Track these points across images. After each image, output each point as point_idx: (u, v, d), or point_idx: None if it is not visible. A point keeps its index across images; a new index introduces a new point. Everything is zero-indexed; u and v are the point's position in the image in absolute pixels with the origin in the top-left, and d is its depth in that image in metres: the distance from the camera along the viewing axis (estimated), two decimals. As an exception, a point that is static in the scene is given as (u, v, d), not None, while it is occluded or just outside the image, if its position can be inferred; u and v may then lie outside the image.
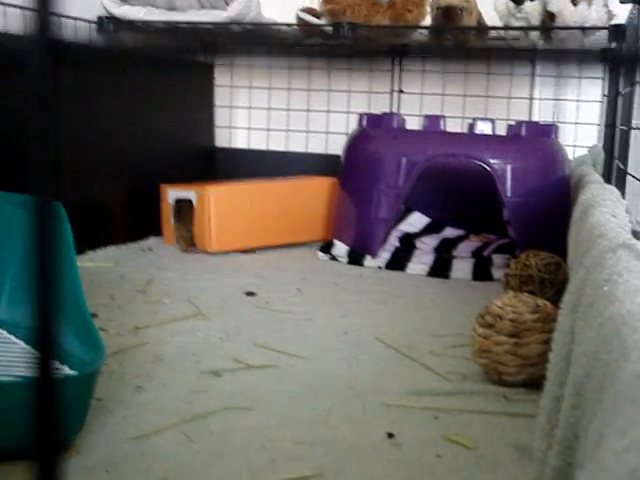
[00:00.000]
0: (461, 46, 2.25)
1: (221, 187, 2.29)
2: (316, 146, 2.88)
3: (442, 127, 2.19)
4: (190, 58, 2.80)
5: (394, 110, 2.70)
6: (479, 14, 2.29)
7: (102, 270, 1.95)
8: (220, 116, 2.91)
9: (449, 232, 2.50)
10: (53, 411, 0.27)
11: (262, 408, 1.12)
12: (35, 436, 0.28)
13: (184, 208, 2.26)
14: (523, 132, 2.16)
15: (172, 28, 2.35)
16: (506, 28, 2.18)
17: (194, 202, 2.23)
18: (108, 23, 2.29)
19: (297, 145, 2.91)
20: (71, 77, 2.04)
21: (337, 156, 2.43)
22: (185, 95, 2.62)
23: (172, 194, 2.29)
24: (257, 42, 2.81)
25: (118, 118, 2.25)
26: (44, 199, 0.27)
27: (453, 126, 2.46)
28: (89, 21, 2.26)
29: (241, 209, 2.28)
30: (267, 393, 1.18)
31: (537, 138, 2.16)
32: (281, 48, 2.83)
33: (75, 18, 2.18)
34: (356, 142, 2.28)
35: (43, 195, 0.27)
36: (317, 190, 2.47)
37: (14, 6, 1.86)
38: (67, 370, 1.10)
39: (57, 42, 0.28)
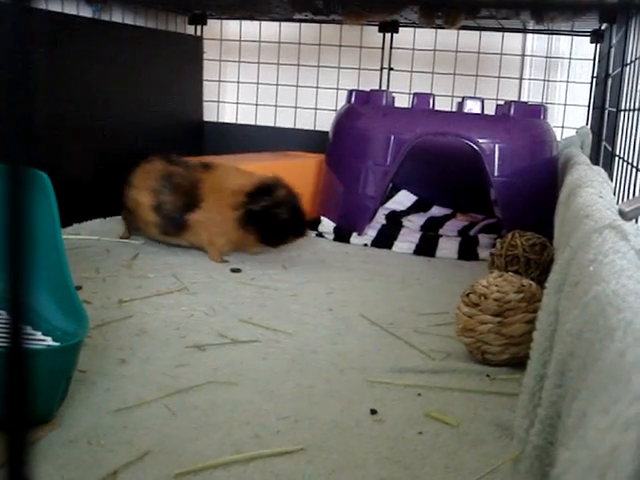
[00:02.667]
0: (452, 24, 2.23)
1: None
2: (304, 122, 2.87)
3: (431, 105, 2.19)
4: (179, 31, 2.78)
5: (383, 87, 2.69)
6: (471, -8, 2.28)
7: (88, 243, 1.94)
8: (208, 90, 2.89)
9: (436, 211, 2.51)
10: (23, 382, 0.26)
11: (246, 383, 1.12)
12: (5, 408, 0.27)
13: None
14: (512, 112, 2.15)
15: None
16: (497, 5, 2.17)
17: None
18: (96, -7, 2.27)
19: (285, 121, 2.90)
20: (60, 50, 2.02)
21: (325, 132, 2.42)
22: (173, 69, 2.60)
23: None
24: (247, 16, 2.79)
25: (105, 91, 2.23)
26: (16, 164, 0.26)
27: (442, 104, 2.46)
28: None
29: None
30: (251, 368, 1.18)
31: (526, 118, 2.16)
32: (270, 22, 2.81)
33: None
34: (345, 119, 2.27)
35: (15, 160, 0.26)
36: (312, 167, 2.46)
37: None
38: (50, 341, 1.09)
39: (34, 8, 0.27)
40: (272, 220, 1.82)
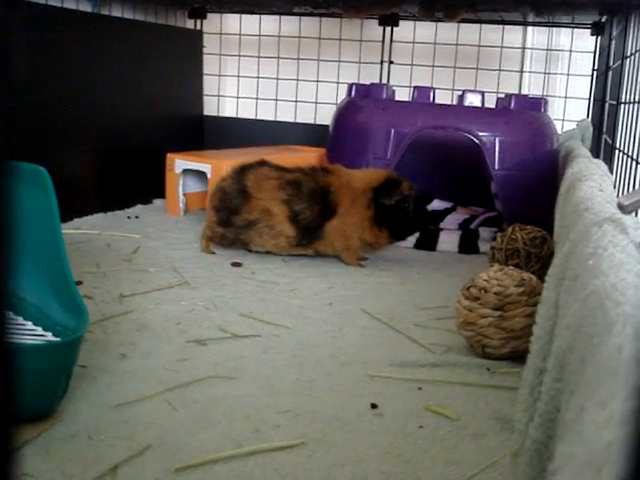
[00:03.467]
0: (452, 17, 2.23)
1: (236, 159, 2.23)
2: (305, 116, 2.87)
3: (432, 99, 2.18)
4: (179, 25, 2.77)
5: (384, 81, 2.69)
6: (471, -15, 2.27)
7: (88, 238, 1.94)
8: (209, 84, 2.89)
9: (436, 204, 2.50)
10: (8, 378, 0.26)
11: (247, 377, 1.12)
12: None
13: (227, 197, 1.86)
14: (512, 105, 2.15)
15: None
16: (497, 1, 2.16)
17: (208, 174, 2.19)
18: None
19: (286, 115, 2.89)
20: (59, 45, 2.02)
21: (326, 126, 2.42)
22: (174, 63, 2.59)
23: (180, 164, 2.26)
24: (247, 10, 2.78)
25: (105, 85, 2.23)
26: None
27: (443, 98, 2.46)
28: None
29: None
30: (252, 362, 1.18)
31: (526, 111, 2.15)
32: (271, 16, 2.81)
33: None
34: (345, 112, 2.27)
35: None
36: (312, 161, 2.45)
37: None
38: (51, 337, 1.09)
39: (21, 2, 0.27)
40: (401, 213, 1.82)
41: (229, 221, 1.83)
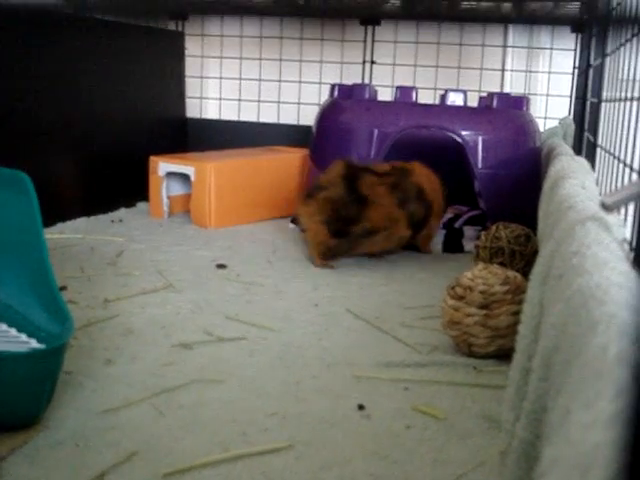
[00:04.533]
0: (433, 16, 2.23)
1: (219, 161, 2.23)
2: (288, 117, 2.87)
3: (414, 98, 2.19)
4: (160, 27, 2.76)
5: (366, 81, 2.69)
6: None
7: (72, 242, 1.93)
8: (191, 86, 2.89)
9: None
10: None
11: (233, 381, 1.12)
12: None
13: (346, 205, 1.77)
14: (495, 103, 2.16)
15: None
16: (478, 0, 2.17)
17: (192, 177, 2.19)
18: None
19: (269, 116, 2.89)
20: (40, 47, 2.00)
21: (309, 127, 2.42)
22: (155, 65, 2.59)
23: (163, 166, 2.25)
24: (228, 11, 2.78)
25: (86, 87, 2.22)
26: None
27: (425, 97, 2.46)
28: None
29: (237, 184, 2.25)
30: (238, 365, 1.18)
31: (508, 110, 2.16)
32: (252, 17, 2.81)
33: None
34: (328, 113, 2.27)
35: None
36: (296, 162, 2.45)
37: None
38: (35, 343, 1.09)
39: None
40: None
41: (345, 231, 1.76)
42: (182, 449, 0.91)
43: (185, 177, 2.26)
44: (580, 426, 0.35)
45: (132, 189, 2.39)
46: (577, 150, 2.04)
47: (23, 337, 1.10)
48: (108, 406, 1.01)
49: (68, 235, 1.99)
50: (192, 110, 2.90)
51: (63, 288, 1.51)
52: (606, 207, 0.76)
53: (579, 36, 2.50)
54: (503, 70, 2.68)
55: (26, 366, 0.90)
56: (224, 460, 0.88)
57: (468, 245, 2.06)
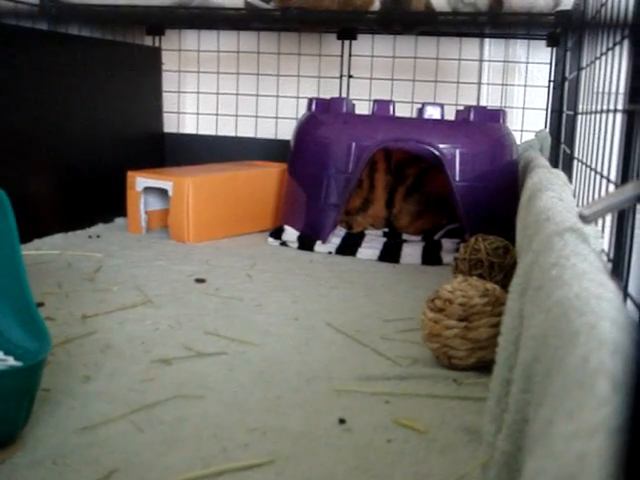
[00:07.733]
0: (410, 31, 2.24)
1: (197, 176, 2.23)
2: (266, 131, 2.87)
3: (392, 112, 2.19)
4: (137, 42, 2.76)
5: (343, 95, 2.70)
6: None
7: (49, 258, 1.91)
8: (168, 101, 2.88)
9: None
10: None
11: (213, 396, 1.11)
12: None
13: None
14: (472, 117, 2.17)
15: (117, 11, 2.30)
16: (454, 13, 2.19)
17: (170, 192, 2.18)
18: (50, 6, 2.25)
19: (246, 130, 2.89)
20: (15, 63, 1.99)
21: (287, 141, 2.42)
22: (132, 80, 2.58)
23: (141, 182, 2.24)
24: (204, 26, 2.78)
25: (63, 104, 2.21)
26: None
27: (402, 111, 2.47)
28: (31, 4, 2.21)
29: (215, 199, 2.25)
30: (218, 381, 1.17)
31: (485, 123, 2.17)
32: (229, 32, 2.81)
33: (16, 1, 2.13)
34: (305, 127, 2.27)
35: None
36: (274, 176, 2.46)
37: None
38: (12, 361, 1.07)
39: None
40: None
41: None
42: (163, 465, 0.90)
43: (163, 192, 2.25)
44: (563, 437, 0.35)
45: (110, 204, 2.38)
46: (554, 162, 2.05)
47: (0, 355, 1.09)
48: (87, 423, 1.00)
49: (45, 251, 1.97)
50: (170, 125, 2.89)
51: (40, 304, 1.50)
52: (584, 219, 0.77)
53: (554, 50, 2.52)
54: (480, 83, 2.70)
55: (3, 384, 0.89)
56: (205, 476, 0.88)
57: (447, 257, 2.07)
